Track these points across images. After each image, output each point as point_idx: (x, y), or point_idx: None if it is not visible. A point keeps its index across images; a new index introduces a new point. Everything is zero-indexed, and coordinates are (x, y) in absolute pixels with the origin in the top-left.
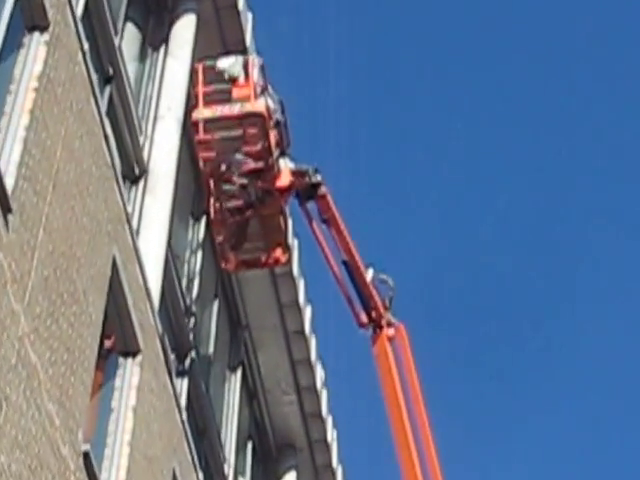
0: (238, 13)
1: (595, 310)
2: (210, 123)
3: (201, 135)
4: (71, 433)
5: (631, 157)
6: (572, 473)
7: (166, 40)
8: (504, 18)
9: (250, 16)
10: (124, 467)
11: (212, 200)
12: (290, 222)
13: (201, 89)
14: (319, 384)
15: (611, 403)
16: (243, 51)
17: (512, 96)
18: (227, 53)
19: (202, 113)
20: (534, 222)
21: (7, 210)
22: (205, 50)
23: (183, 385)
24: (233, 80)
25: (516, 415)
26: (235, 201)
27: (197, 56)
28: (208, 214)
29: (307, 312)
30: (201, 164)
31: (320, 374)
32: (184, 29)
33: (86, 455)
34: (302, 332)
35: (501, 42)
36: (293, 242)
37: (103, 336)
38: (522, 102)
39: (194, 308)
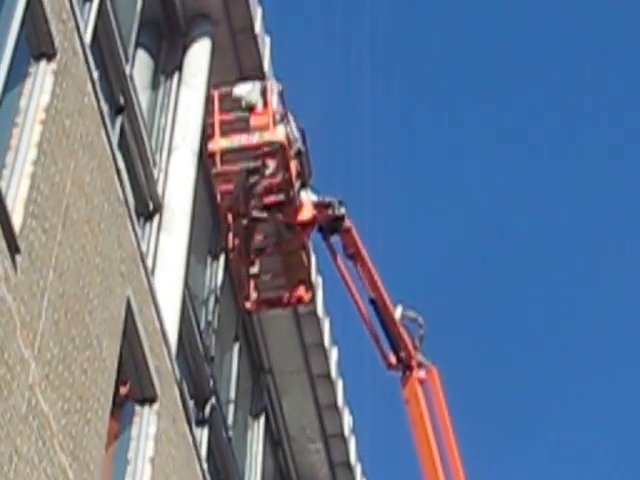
0: (255, 37)
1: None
2: (227, 154)
3: (218, 167)
4: None
5: None
6: None
7: (180, 66)
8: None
9: (268, 40)
10: None
11: (231, 236)
12: (314, 258)
13: (217, 118)
14: (347, 431)
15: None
16: (261, 77)
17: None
18: (244, 79)
19: (219, 144)
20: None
21: (15, 250)
22: (221, 76)
23: (203, 434)
24: (251, 108)
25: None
26: (255, 237)
27: (212, 83)
28: (227, 251)
29: (333, 354)
30: (219, 198)
31: (348, 420)
32: (198, 54)
33: None
34: (328, 376)
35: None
36: (317, 279)
37: (118, 383)
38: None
39: (214, 352)
